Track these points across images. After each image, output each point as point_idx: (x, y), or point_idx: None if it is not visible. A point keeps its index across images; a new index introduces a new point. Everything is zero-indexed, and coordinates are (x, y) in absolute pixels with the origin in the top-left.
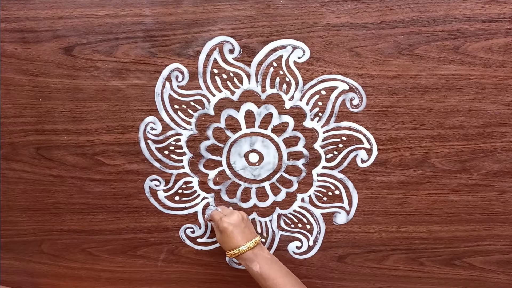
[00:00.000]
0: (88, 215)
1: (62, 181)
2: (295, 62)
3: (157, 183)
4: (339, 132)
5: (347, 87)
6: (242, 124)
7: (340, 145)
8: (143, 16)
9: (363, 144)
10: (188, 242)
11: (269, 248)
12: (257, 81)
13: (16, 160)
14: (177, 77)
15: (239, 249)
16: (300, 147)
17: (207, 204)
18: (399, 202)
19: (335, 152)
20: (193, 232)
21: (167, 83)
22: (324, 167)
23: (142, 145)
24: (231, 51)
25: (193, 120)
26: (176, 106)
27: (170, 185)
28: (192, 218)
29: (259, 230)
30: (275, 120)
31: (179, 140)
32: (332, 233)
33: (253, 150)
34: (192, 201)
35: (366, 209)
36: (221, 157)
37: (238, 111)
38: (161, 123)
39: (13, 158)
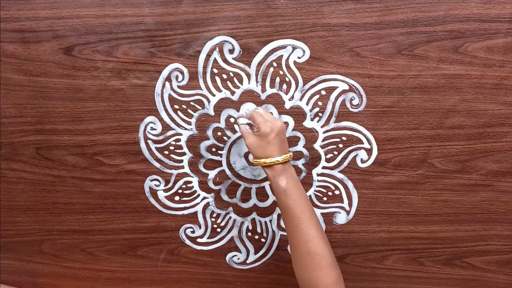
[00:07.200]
0: (88, 215)
1: (62, 181)
2: (295, 62)
3: (157, 183)
4: (339, 132)
5: (347, 87)
6: None
7: (340, 145)
8: (143, 16)
9: (363, 144)
10: (188, 242)
11: (269, 248)
12: (257, 81)
13: (16, 160)
14: (177, 77)
15: (274, 159)
16: (300, 147)
17: (207, 204)
18: (399, 202)
19: (335, 152)
20: (193, 232)
21: (167, 83)
22: (324, 167)
23: (142, 145)
24: (231, 51)
25: (193, 120)
26: (176, 106)
27: (170, 185)
28: (192, 218)
29: (259, 230)
30: None
31: (179, 140)
32: (332, 233)
33: None
34: (192, 201)
35: (366, 209)
36: (221, 157)
37: (238, 111)
38: (161, 123)
39: (13, 158)
